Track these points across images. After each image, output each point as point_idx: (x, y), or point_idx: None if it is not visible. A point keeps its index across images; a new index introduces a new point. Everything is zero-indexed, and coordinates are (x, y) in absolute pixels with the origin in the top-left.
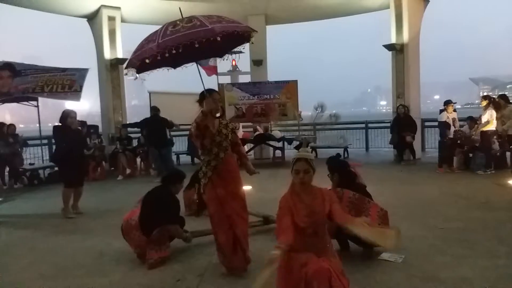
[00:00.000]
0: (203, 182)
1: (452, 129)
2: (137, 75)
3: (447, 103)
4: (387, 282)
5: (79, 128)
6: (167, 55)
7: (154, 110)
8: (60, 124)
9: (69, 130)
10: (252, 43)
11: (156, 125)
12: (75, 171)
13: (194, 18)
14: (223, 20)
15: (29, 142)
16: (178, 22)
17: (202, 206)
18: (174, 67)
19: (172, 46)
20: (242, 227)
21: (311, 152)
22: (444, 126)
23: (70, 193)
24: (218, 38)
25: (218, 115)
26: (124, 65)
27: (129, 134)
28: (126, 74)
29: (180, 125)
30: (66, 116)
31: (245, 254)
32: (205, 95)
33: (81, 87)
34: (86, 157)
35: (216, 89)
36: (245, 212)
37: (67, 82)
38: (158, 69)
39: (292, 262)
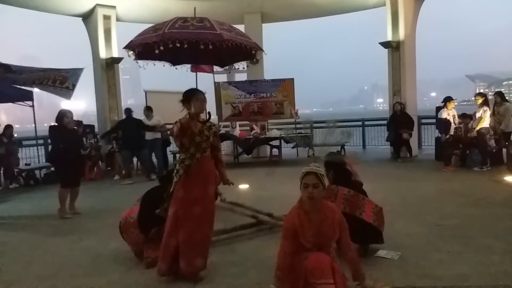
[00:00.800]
0: (174, 180)
1: (453, 126)
2: (137, 61)
3: (448, 99)
4: (384, 279)
5: (75, 128)
6: (170, 45)
7: (128, 111)
8: (56, 124)
9: (65, 130)
10: (257, 62)
11: (130, 127)
12: (71, 171)
13: (205, 20)
14: (234, 30)
15: (25, 142)
16: (189, 19)
17: None
18: (173, 64)
19: (176, 39)
20: (189, 235)
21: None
22: (444, 124)
23: (67, 193)
24: (224, 45)
25: (204, 118)
26: (124, 46)
27: None
28: (129, 56)
29: (165, 124)
30: (62, 116)
31: (178, 263)
32: (192, 96)
33: (74, 85)
34: (83, 157)
35: (213, 87)
36: (202, 220)
37: (59, 77)
38: (157, 61)
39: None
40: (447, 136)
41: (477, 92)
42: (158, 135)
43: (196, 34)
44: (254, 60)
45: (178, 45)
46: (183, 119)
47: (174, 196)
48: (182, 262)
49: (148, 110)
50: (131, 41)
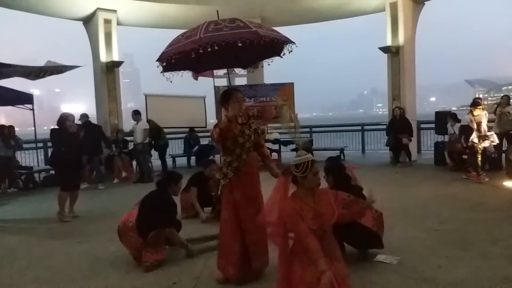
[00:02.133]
0: (222, 183)
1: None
2: (163, 73)
3: (475, 105)
4: (383, 283)
5: (76, 131)
6: (209, 49)
7: (84, 117)
8: (57, 127)
9: (66, 133)
10: (282, 56)
11: (88, 132)
12: (72, 174)
13: (236, 20)
14: (264, 26)
15: (25, 145)
16: (220, 22)
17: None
18: (195, 72)
19: (214, 42)
20: (255, 235)
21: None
22: (467, 131)
23: (66, 196)
24: (261, 42)
25: (241, 120)
26: (156, 58)
27: (125, 138)
28: (158, 67)
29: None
30: (64, 119)
31: (250, 265)
32: (230, 98)
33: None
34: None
35: (212, 91)
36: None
37: (56, 70)
38: (181, 71)
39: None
40: (470, 144)
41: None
42: (145, 140)
43: (233, 34)
44: (282, 54)
45: (216, 48)
46: (222, 123)
47: (225, 199)
48: (254, 261)
49: (136, 114)
50: (164, 52)
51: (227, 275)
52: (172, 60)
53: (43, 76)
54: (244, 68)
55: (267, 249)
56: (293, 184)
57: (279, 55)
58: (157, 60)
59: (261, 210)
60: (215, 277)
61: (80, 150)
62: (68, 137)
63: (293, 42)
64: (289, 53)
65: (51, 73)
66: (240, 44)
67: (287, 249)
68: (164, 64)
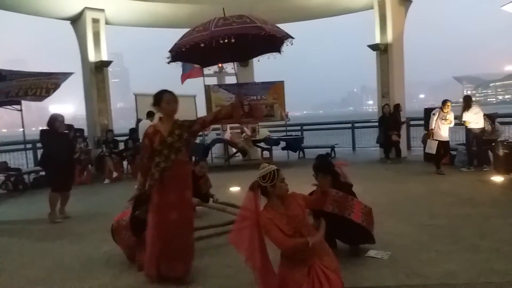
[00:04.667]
0: (148, 183)
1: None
2: (172, 62)
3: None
4: (374, 278)
5: (67, 132)
6: (221, 41)
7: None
8: (47, 128)
9: (56, 134)
10: (281, 52)
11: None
12: (62, 175)
13: (243, 16)
14: (268, 22)
15: (13, 147)
16: (228, 18)
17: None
18: (202, 66)
19: (226, 35)
20: (169, 242)
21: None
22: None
23: (57, 197)
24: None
25: (178, 118)
26: (169, 49)
27: (115, 137)
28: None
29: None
30: (54, 120)
31: (160, 268)
32: (160, 99)
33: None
34: (74, 161)
35: (203, 90)
36: (180, 226)
37: (51, 86)
38: (187, 62)
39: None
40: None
41: (465, 94)
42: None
43: (241, 29)
44: (282, 50)
45: (226, 40)
46: (150, 128)
47: (151, 201)
48: (162, 266)
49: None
50: (176, 43)
51: (147, 273)
52: (183, 49)
53: (40, 94)
54: (244, 60)
55: (187, 258)
56: (263, 197)
57: (278, 51)
58: (169, 51)
59: (184, 218)
60: (211, 273)
61: (70, 151)
62: (57, 137)
63: (292, 37)
64: (287, 45)
65: (47, 90)
66: (252, 34)
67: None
68: (174, 53)
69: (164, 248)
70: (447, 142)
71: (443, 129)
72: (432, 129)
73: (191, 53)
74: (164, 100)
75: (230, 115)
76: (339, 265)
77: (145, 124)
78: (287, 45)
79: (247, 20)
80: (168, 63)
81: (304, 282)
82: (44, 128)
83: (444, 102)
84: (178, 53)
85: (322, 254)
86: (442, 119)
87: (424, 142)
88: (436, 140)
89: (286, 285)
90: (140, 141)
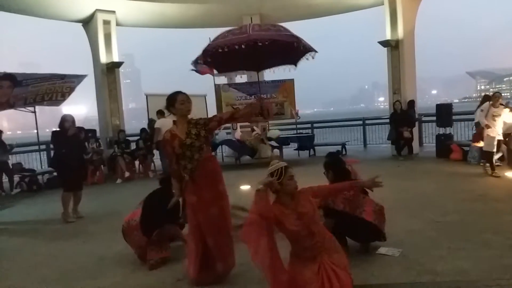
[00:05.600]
0: (182, 186)
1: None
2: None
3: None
4: (385, 276)
5: (77, 132)
6: (260, 44)
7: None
8: (58, 129)
9: (66, 135)
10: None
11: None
12: (74, 175)
13: (277, 24)
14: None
15: (28, 148)
16: (262, 25)
17: None
18: (219, 71)
19: (263, 39)
20: (216, 238)
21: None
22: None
23: (70, 197)
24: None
25: (192, 118)
26: (204, 48)
27: (127, 138)
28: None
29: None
30: (63, 121)
31: (215, 267)
32: (174, 101)
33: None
34: (85, 161)
35: (213, 89)
36: (223, 219)
37: (66, 89)
38: (207, 68)
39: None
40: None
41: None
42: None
43: (276, 35)
44: (298, 64)
45: (266, 43)
46: (167, 133)
47: (187, 202)
48: (219, 263)
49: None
50: (210, 44)
51: (189, 276)
52: (219, 50)
53: (56, 98)
54: (260, 70)
55: (232, 251)
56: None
57: (295, 64)
58: (204, 51)
59: (223, 210)
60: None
61: (81, 151)
62: (67, 138)
63: (316, 51)
64: (307, 59)
65: (63, 94)
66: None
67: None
68: (212, 55)
69: (216, 246)
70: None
71: (498, 125)
72: (488, 126)
73: (213, 57)
74: (178, 101)
75: (248, 116)
76: (348, 262)
77: (162, 122)
78: (307, 59)
79: (281, 28)
80: (195, 63)
81: (314, 280)
82: (56, 129)
83: (494, 96)
84: (208, 55)
85: (331, 252)
86: (494, 115)
87: (476, 140)
88: (494, 136)
89: (296, 283)
90: (156, 139)
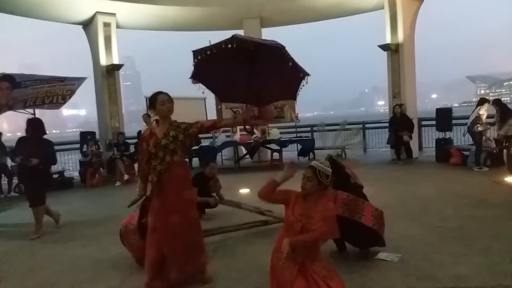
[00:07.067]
0: (150, 188)
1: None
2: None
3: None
4: (384, 281)
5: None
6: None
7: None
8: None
9: (26, 140)
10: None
11: None
12: (30, 187)
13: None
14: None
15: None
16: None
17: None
18: (221, 100)
19: (246, 41)
20: (173, 245)
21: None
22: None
23: (40, 210)
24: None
25: (175, 120)
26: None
27: (126, 140)
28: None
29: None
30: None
31: (168, 275)
32: (155, 101)
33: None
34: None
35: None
36: (183, 228)
37: (67, 92)
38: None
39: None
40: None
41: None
42: None
43: (262, 40)
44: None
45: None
46: (146, 130)
47: (151, 205)
48: (173, 272)
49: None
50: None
51: (144, 283)
52: (208, 52)
53: (57, 101)
54: (261, 105)
55: (196, 258)
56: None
57: (294, 98)
58: (193, 51)
59: (186, 219)
60: (216, 274)
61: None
62: (26, 144)
63: (309, 75)
64: (302, 86)
65: (63, 97)
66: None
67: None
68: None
69: (170, 254)
70: None
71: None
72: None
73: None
74: (158, 101)
75: (231, 126)
76: (330, 273)
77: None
78: (303, 86)
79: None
80: (192, 78)
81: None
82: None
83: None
84: (200, 74)
85: (313, 259)
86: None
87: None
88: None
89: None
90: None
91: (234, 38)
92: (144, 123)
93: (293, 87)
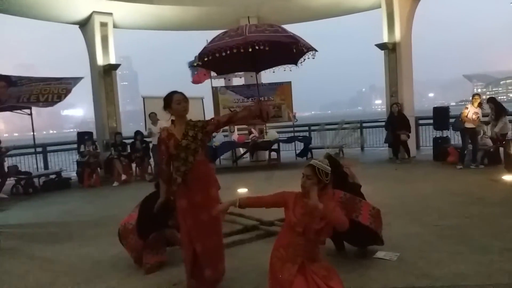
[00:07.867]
0: (174, 189)
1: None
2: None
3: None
4: (382, 280)
5: None
6: (257, 47)
7: None
8: None
9: None
10: (297, 65)
11: None
12: None
13: (275, 25)
14: (295, 34)
15: (24, 150)
16: (260, 25)
17: None
18: (217, 73)
19: (260, 41)
20: (205, 244)
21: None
22: None
23: None
24: (303, 48)
25: (191, 118)
26: (197, 54)
27: (123, 140)
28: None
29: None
30: None
31: (203, 273)
32: (170, 101)
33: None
34: None
35: (210, 92)
36: (213, 225)
37: (62, 91)
38: (203, 74)
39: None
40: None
41: (475, 92)
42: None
43: (274, 36)
44: (300, 62)
45: (261, 47)
46: (164, 132)
47: (178, 206)
48: (208, 270)
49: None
50: (206, 47)
51: (187, 285)
52: (216, 54)
53: (52, 100)
54: (259, 71)
55: (222, 257)
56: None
57: (295, 63)
58: (200, 54)
59: (215, 217)
60: None
61: None
62: None
63: (316, 50)
64: (308, 58)
65: (59, 95)
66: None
67: None
68: (208, 58)
69: (205, 251)
70: None
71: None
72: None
73: (210, 59)
74: (174, 101)
75: (246, 119)
76: (330, 273)
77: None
78: (308, 58)
79: (279, 29)
80: (195, 65)
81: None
82: None
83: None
84: (212, 57)
85: (313, 260)
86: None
87: None
88: None
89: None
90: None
91: (248, 43)
92: (151, 122)
93: (295, 56)
